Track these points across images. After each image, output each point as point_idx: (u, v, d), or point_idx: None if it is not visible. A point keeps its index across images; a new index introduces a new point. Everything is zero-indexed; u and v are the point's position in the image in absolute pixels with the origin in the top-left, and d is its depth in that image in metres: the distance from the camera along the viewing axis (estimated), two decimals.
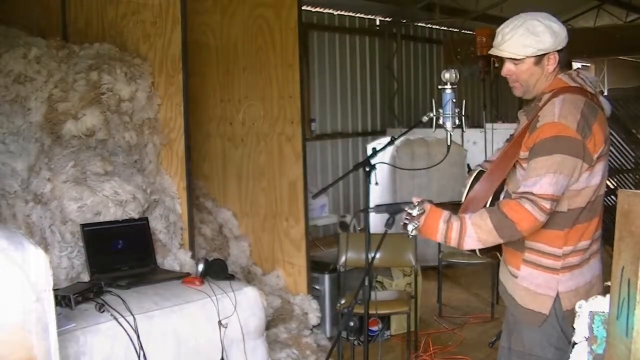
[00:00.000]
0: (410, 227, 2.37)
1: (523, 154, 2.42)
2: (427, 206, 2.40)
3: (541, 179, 2.29)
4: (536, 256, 2.43)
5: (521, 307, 2.47)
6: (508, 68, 2.46)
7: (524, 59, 2.41)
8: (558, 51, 2.41)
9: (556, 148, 2.30)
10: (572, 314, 2.10)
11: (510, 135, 2.66)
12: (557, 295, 2.40)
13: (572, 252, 2.41)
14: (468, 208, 2.48)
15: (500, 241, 2.37)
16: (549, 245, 2.41)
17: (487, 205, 2.48)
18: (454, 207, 2.54)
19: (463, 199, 2.57)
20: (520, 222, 2.29)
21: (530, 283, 2.44)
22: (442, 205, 2.47)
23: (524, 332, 2.48)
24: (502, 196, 2.53)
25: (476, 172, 2.64)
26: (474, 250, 2.51)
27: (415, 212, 2.37)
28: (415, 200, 2.41)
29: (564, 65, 2.47)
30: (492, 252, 2.60)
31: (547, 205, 2.28)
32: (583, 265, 2.43)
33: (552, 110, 2.33)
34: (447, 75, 2.62)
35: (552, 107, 2.34)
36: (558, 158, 2.29)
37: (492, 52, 2.48)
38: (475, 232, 2.33)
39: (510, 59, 2.43)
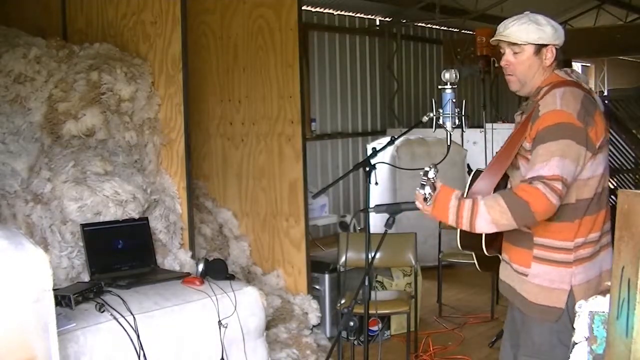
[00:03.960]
0: (427, 190, 2.30)
1: (527, 145, 2.42)
2: (439, 184, 2.37)
3: (548, 163, 2.30)
4: (547, 252, 2.43)
5: (534, 304, 2.46)
6: (507, 58, 2.51)
7: (524, 46, 2.46)
8: (557, 48, 2.48)
9: (560, 134, 2.32)
10: None
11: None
12: (571, 288, 2.42)
13: (583, 244, 2.43)
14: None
15: (514, 225, 2.32)
16: (559, 239, 2.42)
17: None
18: None
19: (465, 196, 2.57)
20: (533, 203, 2.26)
21: (543, 279, 2.44)
22: None
23: (534, 330, 2.48)
24: None
25: (474, 172, 2.65)
26: (479, 251, 2.51)
27: (431, 174, 2.30)
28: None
29: (561, 66, 2.52)
30: (495, 255, 2.60)
31: (558, 186, 2.27)
32: (594, 257, 2.45)
33: (553, 100, 2.37)
34: (447, 75, 2.63)
35: (553, 98, 2.38)
36: (562, 143, 2.31)
37: (495, 37, 2.52)
38: (488, 212, 2.30)
39: (512, 46, 2.48)
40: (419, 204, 2.39)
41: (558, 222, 2.40)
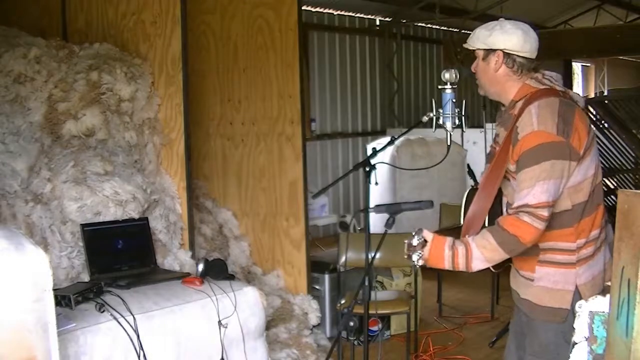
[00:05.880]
0: (415, 257, 2.42)
1: (512, 167, 2.43)
2: (430, 235, 2.43)
3: (532, 189, 2.32)
4: (550, 254, 2.45)
5: (540, 306, 2.47)
6: (473, 64, 2.57)
7: (477, 52, 2.52)
8: (507, 54, 2.44)
9: (542, 156, 2.32)
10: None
11: (491, 146, 2.70)
12: (576, 288, 2.42)
13: (585, 244, 2.44)
14: (469, 230, 2.50)
15: (507, 256, 2.40)
16: (562, 241, 2.43)
17: (486, 223, 2.50)
18: (454, 231, 2.56)
19: (461, 221, 2.59)
20: (522, 236, 2.33)
21: (548, 282, 2.45)
22: (442, 232, 2.50)
23: (540, 330, 2.49)
24: (504, 208, 2.54)
25: (467, 191, 2.66)
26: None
27: (415, 242, 2.42)
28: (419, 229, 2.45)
29: (526, 72, 2.46)
30: (507, 265, 2.60)
31: (544, 213, 2.32)
32: (596, 255, 2.46)
33: (530, 120, 2.35)
34: (447, 75, 2.64)
35: (529, 117, 2.36)
36: (546, 165, 2.32)
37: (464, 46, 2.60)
38: (481, 253, 2.38)
39: (474, 53, 2.54)
40: None
41: (557, 229, 2.41)
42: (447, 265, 2.42)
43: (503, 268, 2.60)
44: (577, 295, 2.41)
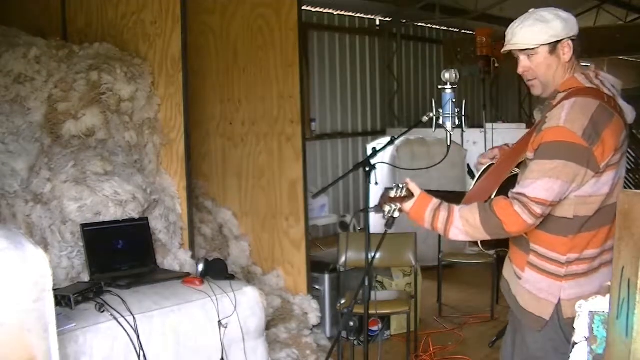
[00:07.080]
0: (387, 209, 2.39)
1: (530, 154, 2.37)
2: (417, 191, 2.43)
3: (536, 182, 2.25)
4: (540, 260, 2.39)
5: (523, 309, 2.44)
6: (523, 64, 2.41)
7: (537, 48, 2.35)
8: (572, 40, 2.36)
9: (558, 153, 2.25)
10: (573, 322, 2.04)
11: None
12: (559, 302, 2.36)
13: (576, 260, 2.35)
14: (472, 200, 2.44)
15: (487, 238, 2.35)
16: (553, 250, 2.37)
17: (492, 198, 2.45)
18: (456, 196, 2.53)
19: (471, 187, 2.56)
20: (507, 223, 2.27)
21: (533, 287, 2.41)
22: (436, 193, 2.47)
23: (527, 334, 2.46)
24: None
25: (486, 165, 2.64)
26: (477, 244, 2.51)
27: (392, 194, 2.39)
28: (407, 181, 2.44)
29: (579, 56, 2.40)
30: (499, 249, 2.58)
31: (537, 209, 2.25)
32: (590, 274, 2.37)
33: (559, 114, 2.27)
34: (447, 75, 2.62)
35: (560, 110, 2.28)
36: (557, 164, 2.24)
37: (505, 47, 2.42)
38: (462, 225, 2.33)
39: (525, 51, 2.38)
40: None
41: (550, 234, 2.36)
42: (426, 225, 2.40)
43: (494, 249, 2.58)
44: (559, 310, 2.36)
